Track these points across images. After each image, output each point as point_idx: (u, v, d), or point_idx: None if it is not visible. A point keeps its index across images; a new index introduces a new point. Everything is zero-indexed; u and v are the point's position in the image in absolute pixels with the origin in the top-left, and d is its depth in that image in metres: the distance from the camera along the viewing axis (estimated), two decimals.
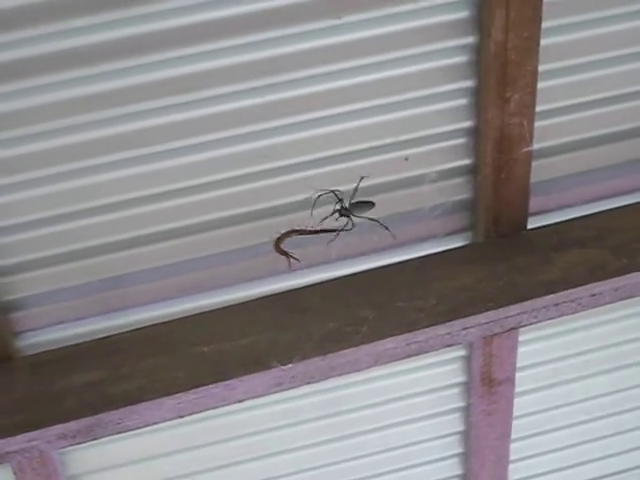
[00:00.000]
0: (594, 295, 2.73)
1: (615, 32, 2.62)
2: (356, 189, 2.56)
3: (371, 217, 2.59)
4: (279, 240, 2.55)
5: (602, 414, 3.54)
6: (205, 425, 3.12)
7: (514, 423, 3.39)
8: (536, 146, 2.71)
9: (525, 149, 2.64)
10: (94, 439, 2.63)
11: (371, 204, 2.59)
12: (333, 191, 2.54)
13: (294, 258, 2.56)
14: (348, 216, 2.55)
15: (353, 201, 2.57)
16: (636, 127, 2.82)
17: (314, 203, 2.54)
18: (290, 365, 2.57)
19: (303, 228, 2.55)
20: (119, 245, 2.66)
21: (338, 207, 2.55)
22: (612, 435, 3.64)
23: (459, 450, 3.50)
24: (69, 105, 2.39)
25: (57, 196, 2.54)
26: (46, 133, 2.43)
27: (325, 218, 2.54)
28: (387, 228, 2.61)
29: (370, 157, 2.65)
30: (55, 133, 2.44)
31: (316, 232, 2.56)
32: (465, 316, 2.65)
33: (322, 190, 2.54)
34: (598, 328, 3.28)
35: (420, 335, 2.65)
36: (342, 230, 2.55)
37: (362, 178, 2.55)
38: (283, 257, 2.56)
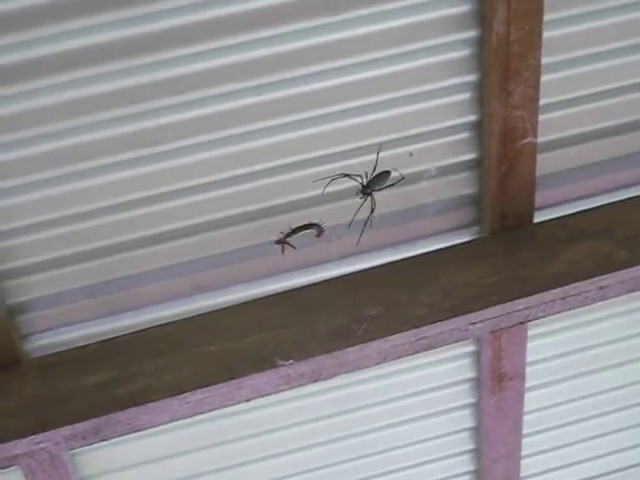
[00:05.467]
0: (602, 288, 2.71)
1: (618, 23, 2.61)
2: (375, 165, 2.56)
3: (394, 181, 2.61)
4: (286, 237, 2.58)
5: (613, 408, 3.53)
6: (215, 425, 3.12)
7: (525, 418, 3.38)
8: (541, 139, 2.70)
9: (529, 141, 2.63)
10: (103, 440, 2.64)
11: (388, 173, 2.60)
12: (348, 174, 2.55)
13: (291, 246, 2.57)
14: (370, 194, 2.56)
15: (371, 176, 2.57)
16: None
17: (326, 185, 2.57)
18: (296, 362, 2.56)
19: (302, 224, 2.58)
20: (124, 246, 2.66)
21: (360, 187, 2.57)
22: (624, 429, 3.62)
23: (471, 446, 3.49)
24: (70, 107, 2.40)
25: (62, 198, 2.55)
26: (48, 135, 2.44)
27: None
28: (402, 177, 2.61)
29: (374, 154, 2.64)
30: (58, 135, 2.44)
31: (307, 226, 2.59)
32: (472, 311, 2.65)
33: (339, 174, 2.57)
34: (608, 321, 3.26)
35: (427, 331, 2.65)
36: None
37: (380, 148, 2.55)
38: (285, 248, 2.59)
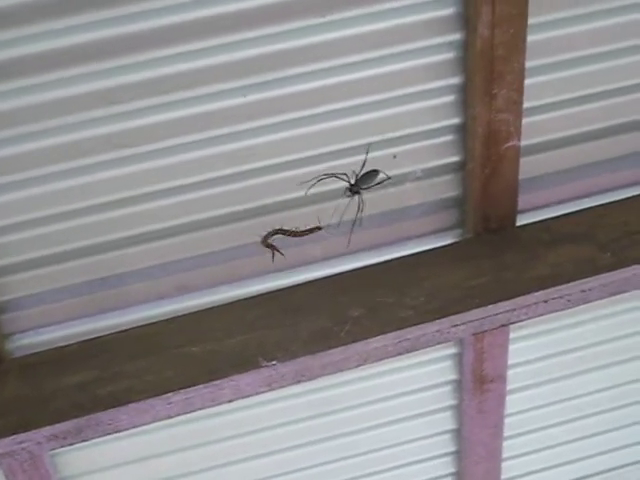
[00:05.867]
0: (584, 291, 2.72)
1: (601, 28, 2.61)
2: (364, 163, 2.57)
3: (381, 180, 2.60)
4: (266, 236, 2.57)
5: (595, 411, 3.54)
6: (197, 426, 3.11)
7: (506, 421, 3.39)
8: (524, 143, 2.71)
9: (513, 144, 2.64)
10: (84, 440, 2.63)
11: (376, 172, 2.61)
12: (334, 174, 2.55)
13: (279, 253, 2.58)
14: (358, 192, 2.56)
15: (360, 175, 2.58)
16: (624, 122, 2.82)
17: (313, 184, 2.58)
18: (279, 363, 2.56)
19: (290, 229, 2.57)
20: (108, 246, 2.66)
21: (348, 186, 2.58)
22: (605, 432, 3.63)
23: (452, 448, 3.49)
24: (53, 107, 2.39)
25: (45, 197, 2.54)
26: (36, 133, 2.43)
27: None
28: (389, 177, 2.61)
29: (358, 155, 2.64)
30: (46, 133, 2.43)
31: (301, 233, 2.59)
32: (454, 313, 2.65)
33: (325, 174, 2.56)
34: (590, 324, 3.28)
35: (410, 333, 2.65)
36: (320, 228, 2.59)
37: (368, 148, 2.56)
38: (269, 252, 2.59)
